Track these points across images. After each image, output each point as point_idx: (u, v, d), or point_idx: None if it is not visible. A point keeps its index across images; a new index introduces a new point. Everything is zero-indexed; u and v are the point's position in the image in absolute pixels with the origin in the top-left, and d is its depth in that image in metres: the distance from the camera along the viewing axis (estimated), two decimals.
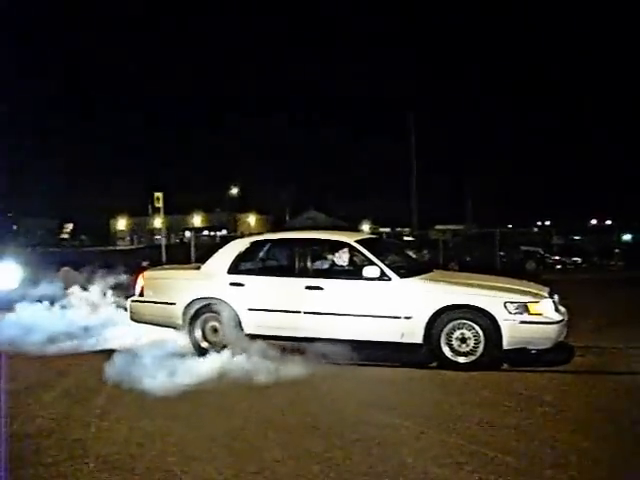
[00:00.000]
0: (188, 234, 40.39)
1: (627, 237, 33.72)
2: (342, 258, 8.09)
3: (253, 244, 8.65)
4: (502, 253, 24.35)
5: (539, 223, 49.45)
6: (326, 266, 8.18)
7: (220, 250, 8.68)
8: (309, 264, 8.06)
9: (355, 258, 8.05)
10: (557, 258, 26.97)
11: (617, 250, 24.60)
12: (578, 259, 26.63)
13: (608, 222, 49.71)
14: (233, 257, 8.36)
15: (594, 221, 50.67)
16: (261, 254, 8.73)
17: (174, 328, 8.39)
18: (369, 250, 7.90)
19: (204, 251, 23.23)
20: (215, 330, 8.16)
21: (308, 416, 5.75)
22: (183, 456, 4.92)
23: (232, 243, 8.88)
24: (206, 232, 50.44)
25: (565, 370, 7.36)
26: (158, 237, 27.10)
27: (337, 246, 8.17)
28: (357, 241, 8.10)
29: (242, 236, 17.92)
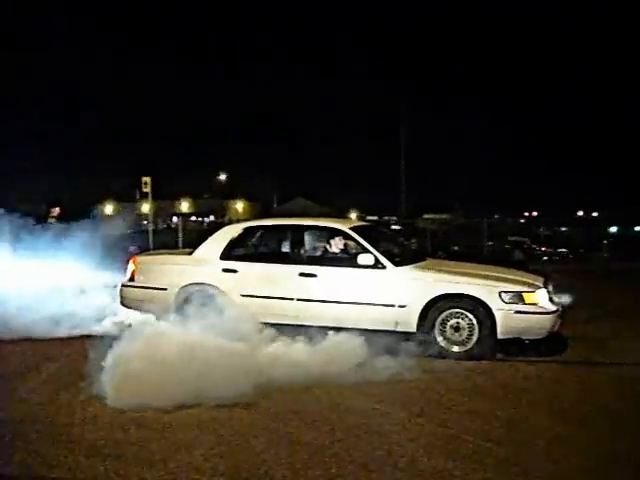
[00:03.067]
0: (176, 220, 40.18)
1: (613, 229, 34.02)
2: (336, 245, 8.03)
3: (246, 230, 8.56)
4: (490, 243, 24.43)
5: (526, 214, 49.64)
6: (320, 253, 8.12)
7: (213, 236, 8.59)
8: (303, 251, 8.01)
9: (349, 245, 8.00)
10: (544, 249, 27.10)
11: (605, 242, 24.68)
12: (565, 250, 26.74)
13: (594, 214, 50.19)
14: (226, 243, 8.28)
15: (581, 213, 51.04)
16: (254, 240, 8.67)
17: (163, 314, 8.29)
18: (363, 237, 7.85)
19: (192, 237, 23.23)
20: None
21: (289, 401, 5.78)
22: (168, 442, 4.90)
23: (225, 228, 8.81)
24: (194, 218, 50.41)
25: (557, 360, 7.37)
26: (146, 222, 26.83)
27: (331, 233, 8.11)
28: (351, 228, 8.05)
29: (231, 222, 17.81)
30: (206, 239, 8.61)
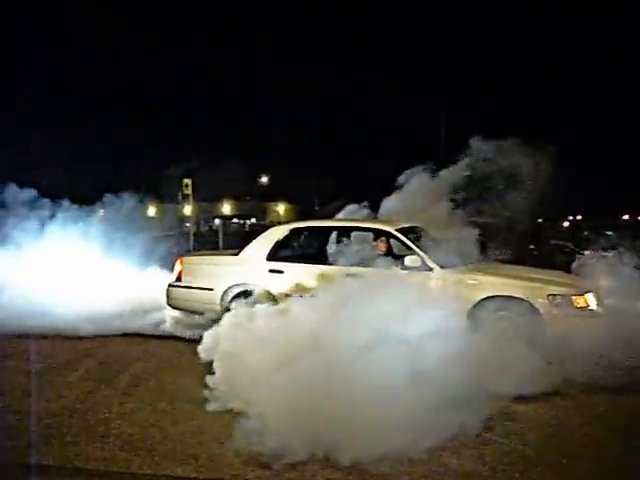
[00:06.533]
0: (217, 222, 40.50)
1: None
2: (382, 246, 8.01)
3: (292, 231, 8.61)
4: (532, 246, 24.08)
5: (570, 217, 48.85)
6: (366, 254, 8.09)
7: (259, 237, 8.64)
8: (349, 252, 8.00)
9: (396, 247, 7.97)
10: (587, 252, 26.62)
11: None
12: (608, 254, 26.16)
13: None
14: (272, 244, 8.34)
15: (626, 217, 50.09)
16: (300, 241, 8.70)
17: (211, 314, 8.36)
18: (410, 239, 7.82)
19: (232, 239, 23.42)
20: None
21: None
22: (202, 439, 5.01)
23: (271, 230, 8.85)
24: (235, 220, 50.77)
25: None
26: (187, 224, 27.11)
27: (378, 234, 8.10)
28: (398, 229, 8.01)
29: (272, 224, 17.87)
30: (252, 240, 8.68)
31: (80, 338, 8.55)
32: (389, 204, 9.64)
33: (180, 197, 26.97)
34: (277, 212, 60.15)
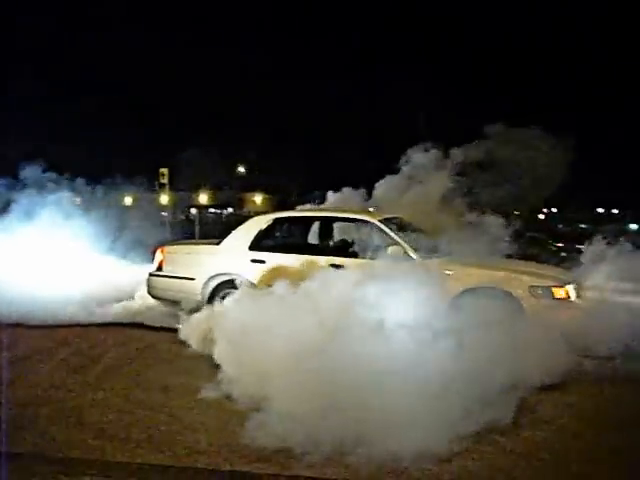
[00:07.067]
0: (194, 211, 40.28)
1: (634, 226, 33.67)
2: (365, 237, 8.02)
3: (275, 221, 8.58)
4: (506, 239, 24.26)
5: (545, 210, 49.25)
6: (349, 244, 8.12)
7: (241, 226, 8.61)
8: (331, 242, 8.01)
9: (378, 237, 7.98)
10: (561, 245, 26.85)
11: (621, 239, 24.44)
12: (582, 247, 26.41)
13: (614, 211, 49.78)
14: (255, 233, 8.31)
15: (601, 210, 50.61)
16: (283, 231, 8.68)
17: (191, 304, 8.32)
18: (392, 229, 7.84)
19: (209, 228, 23.37)
20: None
21: None
22: (177, 426, 5.04)
23: (254, 219, 8.82)
24: (212, 210, 50.57)
25: None
26: (164, 214, 26.93)
27: (360, 224, 8.11)
28: (380, 220, 8.04)
29: (250, 214, 17.84)
30: (234, 229, 8.64)
31: (54, 327, 8.50)
32: (384, 189, 9.62)
33: (156, 186, 26.79)
34: (254, 202, 60.00)
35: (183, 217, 42.47)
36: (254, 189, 60.31)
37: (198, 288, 8.30)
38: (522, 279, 7.22)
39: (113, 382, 6.19)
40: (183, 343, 7.10)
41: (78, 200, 12.46)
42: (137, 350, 7.56)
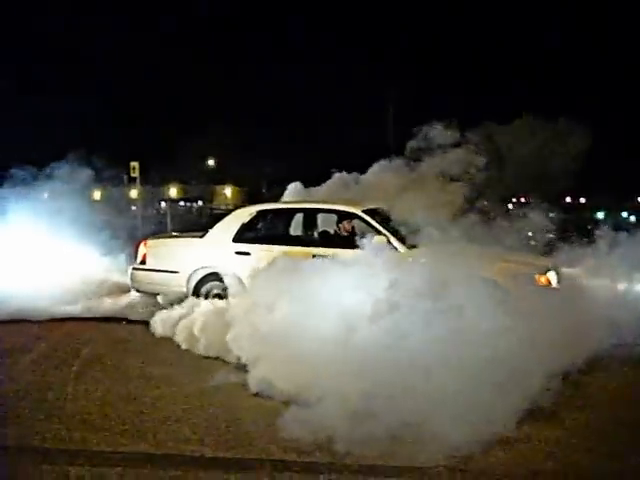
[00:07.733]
0: (164, 205, 40.03)
1: (600, 215, 34.25)
2: (349, 228, 8.07)
3: (259, 213, 8.58)
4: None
5: (514, 200, 49.77)
6: (333, 235, 8.16)
7: (225, 218, 8.62)
8: (316, 233, 8.05)
9: (362, 228, 8.03)
10: (531, 234, 27.19)
11: (589, 227, 24.82)
12: (551, 235, 26.78)
13: (582, 200, 50.51)
14: (238, 226, 8.31)
15: (568, 199, 51.19)
16: (267, 223, 8.69)
17: (176, 297, 8.33)
18: (376, 220, 7.89)
19: (179, 221, 23.30)
20: (220, 299, 8.11)
21: None
22: (158, 416, 5.09)
23: (237, 211, 8.83)
24: (182, 203, 50.23)
25: None
26: (134, 208, 26.72)
27: (344, 215, 8.15)
28: (364, 211, 8.07)
29: (228, 208, 17.79)
30: (218, 222, 8.64)
31: (30, 322, 8.46)
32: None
33: (126, 180, 26.57)
34: (224, 195, 59.72)
35: (154, 211, 42.23)
36: (224, 182, 60.02)
37: (182, 281, 8.29)
38: (506, 267, 7.31)
39: (94, 374, 6.23)
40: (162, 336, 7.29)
41: (45, 195, 12.27)
42: (115, 342, 7.57)
